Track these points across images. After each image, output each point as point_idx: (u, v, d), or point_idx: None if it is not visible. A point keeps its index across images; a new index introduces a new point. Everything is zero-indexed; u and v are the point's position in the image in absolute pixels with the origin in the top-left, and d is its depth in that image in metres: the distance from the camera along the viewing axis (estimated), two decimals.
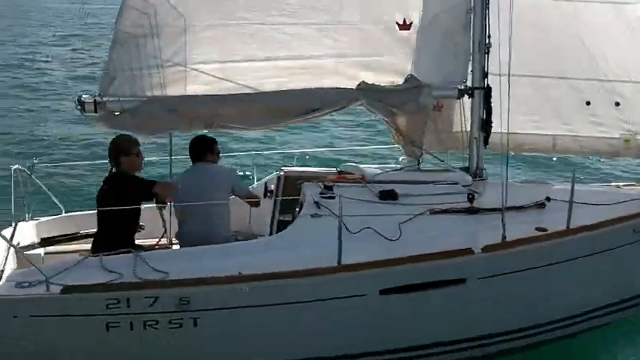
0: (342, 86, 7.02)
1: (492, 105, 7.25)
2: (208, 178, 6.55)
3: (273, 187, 7.36)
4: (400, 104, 7.08)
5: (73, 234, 6.97)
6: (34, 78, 22.91)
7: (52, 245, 6.87)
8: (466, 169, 7.42)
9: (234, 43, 6.98)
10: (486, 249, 6.09)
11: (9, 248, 5.99)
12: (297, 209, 6.58)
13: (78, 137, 14.66)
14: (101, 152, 9.86)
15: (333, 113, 7.33)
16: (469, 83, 7.30)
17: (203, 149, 6.76)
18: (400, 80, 7.15)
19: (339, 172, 7.38)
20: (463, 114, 7.46)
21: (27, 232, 6.87)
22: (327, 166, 7.98)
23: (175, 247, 6.87)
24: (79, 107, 6.62)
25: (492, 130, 7.35)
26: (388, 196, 6.64)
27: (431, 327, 6.22)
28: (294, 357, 5.90)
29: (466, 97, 7.34)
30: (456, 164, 7.62)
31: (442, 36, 7.15)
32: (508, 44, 6.36)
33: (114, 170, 6.44)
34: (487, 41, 7.15)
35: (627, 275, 7.02)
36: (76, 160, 10.53)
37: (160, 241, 6.98)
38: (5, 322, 5.35)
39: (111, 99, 6.63)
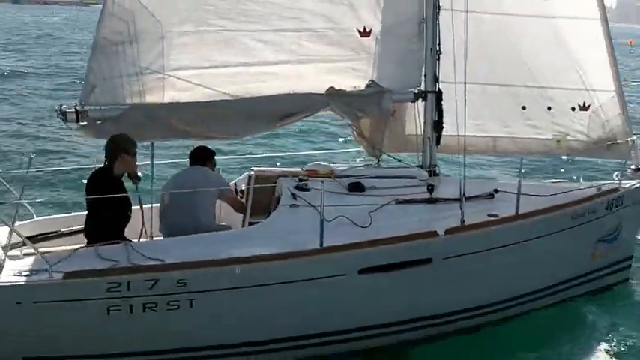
0: (311, 91, 7.55)
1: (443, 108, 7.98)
2: (203, 178, 6.95)
3: (243, 186, 7.78)
4: (365, 108, 7.70)
5: (54, 232, 7.15)
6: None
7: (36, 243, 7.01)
8: (420, 167, 8.09)
9: (210, 49, 7.42)
10: (448, 231, 6.75)
11: (8, 244, 6.11)
12: (274, 202, 7.06)
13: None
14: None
15: (304, 119, 7.85)
16: (422, 87, 7.99)
17: (204, 156, 7.19)
18: (363, 84, 7.77)
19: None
20: (418, 117, 8.14)
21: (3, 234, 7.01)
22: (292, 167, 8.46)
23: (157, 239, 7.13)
24: (60, 117, 6.86)
25: (444, 133, 8.08)
26: (356, 188, 7.25)
27: (403, 303, 6.80)
28: (282, 335, 6.34)
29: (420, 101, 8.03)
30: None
31: (399, 43, 7.85)
32: (463, 54, 7.11)
33: (105, 166, 6.60)
34: (438, 49, 7.87)
35: (569, 255, 7.83)
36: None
37: (140, 235, 7.22)
38: (10, 308, 5.56)
39: (92, 107, 6.91)
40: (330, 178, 7.35)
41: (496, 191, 7.73)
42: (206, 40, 7.40)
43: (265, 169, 8.02)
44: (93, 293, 5.70)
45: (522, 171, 7.68)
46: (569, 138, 8.82)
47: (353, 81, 7.81)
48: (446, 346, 7.10)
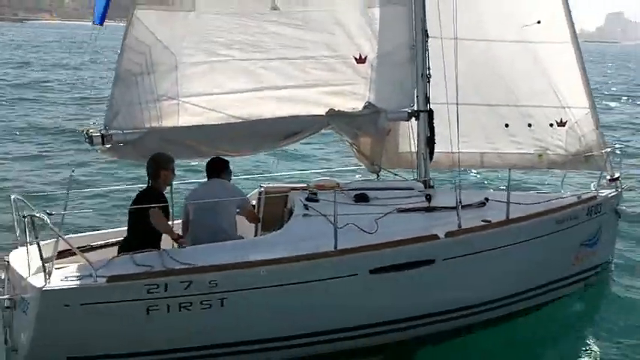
0: (314, 112, 8.26)
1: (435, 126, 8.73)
2: (223, 190, 7.52)
3: (254, 202, 8.40)
4: (363, 127, 8.42)
5: (83, 246, 7.65)
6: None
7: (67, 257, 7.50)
8: (417, 180, 8.80)
9: (220, 77, 8.08)
10: (448, 234, 7.43)
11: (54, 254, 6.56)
12: (287, 213, 7.70)
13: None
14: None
15: (308, 137, 8.54)
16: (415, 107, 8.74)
17: (219, 167, 7.75)
18: (360, 106, 8.50)
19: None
20: (412, 135, 8.88)
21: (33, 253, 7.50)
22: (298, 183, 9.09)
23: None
24: (87, 140, 7.48)
25: (436, 150, 8.82)
26: (361, 199, 7.92)
27: (410, 301, 7.41)
28: (303, 331, 6.92)
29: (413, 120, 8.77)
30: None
31: (392, 68, 8.60)
32: (451, 77, 7.88)
33: (149, 184, 7.26)
34: (428, 72, 8.64)
35: (556, 257, 8.54)
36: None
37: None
38: (59, 310, 6.08)
39: (115, 132, 7.54)
40: (336, 190, 8.00)
41: (487, 200, 8.46)
42: (216, 68, 8.05)
43: (275, 185, 8.66)
44: (134, 295, 6.24)
45: (510, 182, 8.44)
46: (549, 152, 9.59)
47: (351, 103, 8.51)
48: (431, 348, 7.71)
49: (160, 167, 7.23)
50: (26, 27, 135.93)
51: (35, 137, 20.94)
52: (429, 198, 8.12)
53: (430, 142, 8.79)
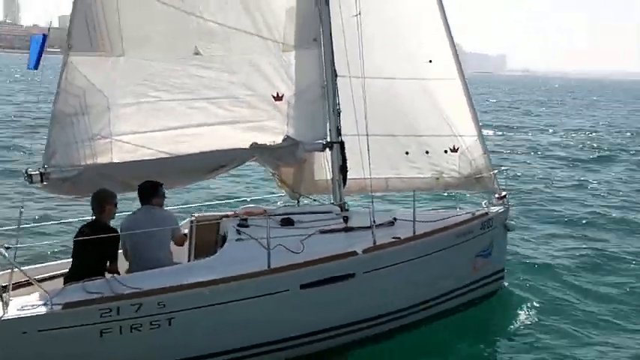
0: (238, 147, 9.03)
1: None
2: (153, 221, 7.99)
3: (186, 230, 9.03)
4: (283, 158, 9.27)
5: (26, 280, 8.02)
6: None
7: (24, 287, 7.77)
8: (333, 204, 9.72)
9: (149, 117, 8.72)
10: (365, 251, 8.37)
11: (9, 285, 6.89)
12: (220, 239, 8.41)
13: None
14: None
15: (235, 169, 9.29)
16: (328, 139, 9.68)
17: (150, 193, 8.25)
18: (280, 139, 9.35)
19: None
20: (326, 164, 9.80)
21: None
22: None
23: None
24: (27, 179, 7.91)
25: (348, 177, 9.77)
26: (287, 222, 8.74)
27: (335, 311, 8.26)
28: (244, 343, 7.62)
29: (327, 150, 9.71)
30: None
31: (307, 105, 9.52)
32: (358, 111, 8.94)
33: (93, 219, 7.76)
34: (338, 107, 9.62)
35: (457, 267, 9.67)
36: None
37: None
38: (16, 338, 6.51)
39: (53, 169, 8.02)
40: (263, 215, 8.78)
41: (395, 219, 9.49)
42: (145, 109, 8.68)
43: (205, 214, 9.34)
44: (88, 319, 6.75)
45: (414, 202, 9.50)
46: (444, 175, 10.75)
47: (272, 137, 9.36)
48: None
49: (104, 202, 7.77)
50: None
51: None
52: (346, 219, 9.04)
53: (343, 169, 9.74)
